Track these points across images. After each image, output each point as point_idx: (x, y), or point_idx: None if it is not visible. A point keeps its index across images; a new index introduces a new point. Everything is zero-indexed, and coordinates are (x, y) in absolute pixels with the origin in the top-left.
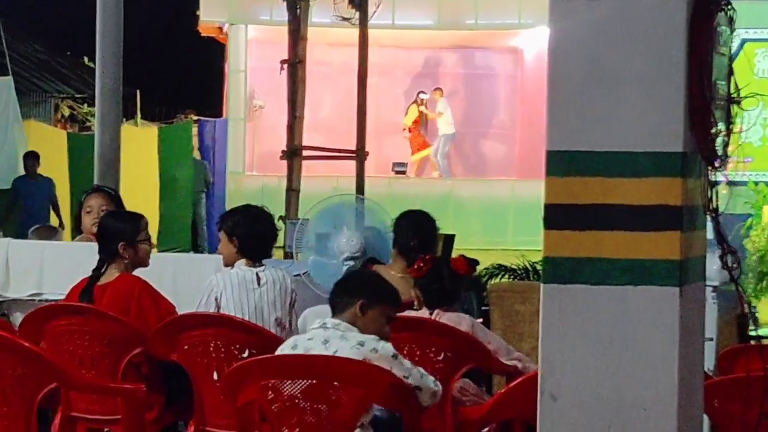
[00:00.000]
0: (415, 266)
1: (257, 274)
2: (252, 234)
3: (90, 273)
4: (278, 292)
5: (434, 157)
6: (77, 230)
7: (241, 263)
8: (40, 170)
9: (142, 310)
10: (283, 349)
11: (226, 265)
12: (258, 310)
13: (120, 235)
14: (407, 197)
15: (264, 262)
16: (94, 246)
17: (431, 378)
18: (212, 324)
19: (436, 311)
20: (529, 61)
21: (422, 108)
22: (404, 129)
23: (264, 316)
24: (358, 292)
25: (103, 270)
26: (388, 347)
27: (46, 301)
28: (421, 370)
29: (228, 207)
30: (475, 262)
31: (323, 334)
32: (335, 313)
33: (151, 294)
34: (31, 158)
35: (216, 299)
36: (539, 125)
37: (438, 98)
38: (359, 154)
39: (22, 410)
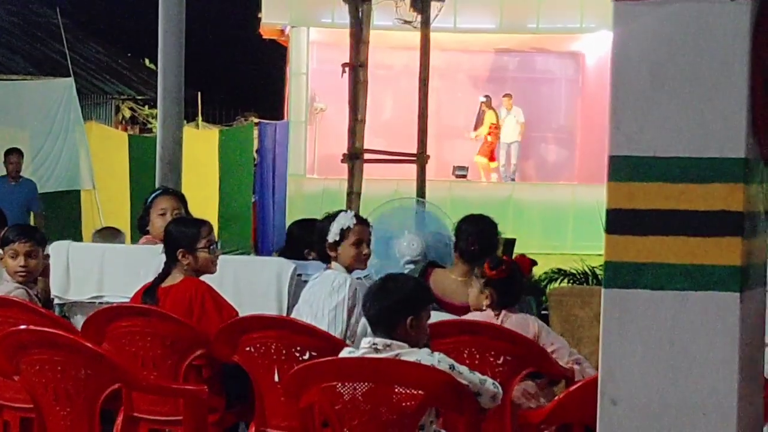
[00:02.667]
0: (503, 267)
1: (305, 274)
2: (315, 237)
3: (152, 276)
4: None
5: (505, 165)
6: (141, 231)
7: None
8: (100, 172)
9: (205, 314)
10: None
11: None
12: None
13: (179, 241)
14: (468, 201)
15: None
16: (155, 248)
17: (490, 380)
18: (274, 326)
19: (503, 313)
20: (590, 66)
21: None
22: (477, 137)
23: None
24: (405, 311)
25: (167, 274)
26: (443, 360)
27: (107, 303)
28: (479, 375)
29: (289, 210)
30: (534, 263)
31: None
32: (382, 332)
33: (215, 298)
34: (15, 154)
35: None
36: (600, 130)
37: (512, 105)
38: (420, 158)
39: (85, 410)
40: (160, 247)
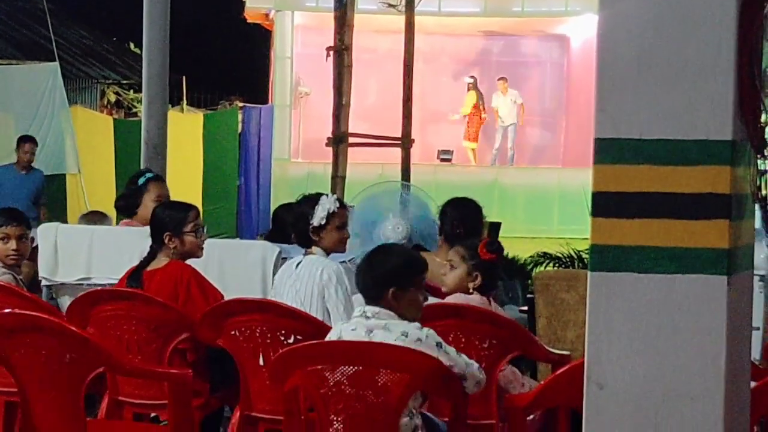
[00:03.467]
0: (496, 249)
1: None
2: (292, 220)
3: (140, 259)
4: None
5: (500, 148)
6: (126, 213)
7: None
8: (85, 156)
9: (190, 298)
10: (330, 338)
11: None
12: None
13: (166, 225)
14: (452, 185)
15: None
16: (143, 231)
17: (476, 365)
18: (258, 309)
19: (492, 303)
20: (575, 49)
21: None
22: (463, 116)
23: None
24: (387, 283)
25: (153, 258)
26: (431, 336)
27: (95, 285)
28: (466, 358)
29: (274, 194)
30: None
31: (366, 324)
32: (370, 302)
33: (200, 282)
34: (30, 143)
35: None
36: (586, 113)
37: (507, 89)
38: (405, 142)
39: (70, 394)
40: (148, 229)
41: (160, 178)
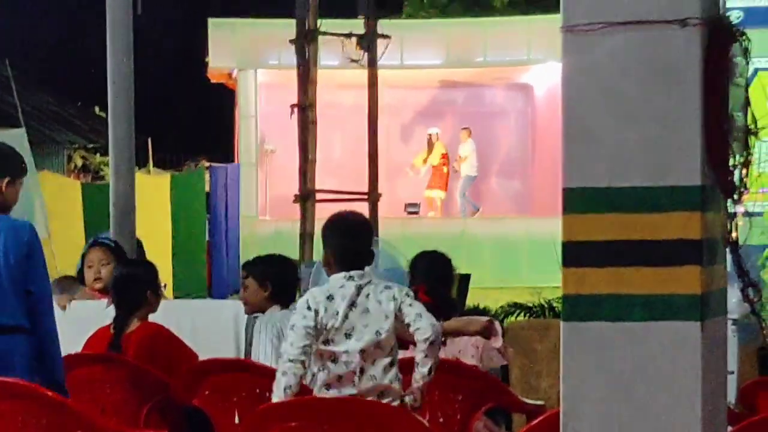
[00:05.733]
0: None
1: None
2: (285, 281)
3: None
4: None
5: (460, 197)
6: (82, 284)
7: (275, 309)
8: (54, 221)
9: (169, 358)
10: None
11: (251, 311)
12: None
13: (148, 283)
14: (420, 237)
15: None
16: (99, 304)
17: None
18: (234, 369)
19: None
20: (539, 97)
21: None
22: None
23: None
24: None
25: (127, 320)
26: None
27: None
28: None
29: (242, 252)
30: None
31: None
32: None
33: (176, 342)
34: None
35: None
36: (551, 161)
37: (466, 139)
38: (372, 196)
39: None
40: (104, 302)
41: (95, 245)
